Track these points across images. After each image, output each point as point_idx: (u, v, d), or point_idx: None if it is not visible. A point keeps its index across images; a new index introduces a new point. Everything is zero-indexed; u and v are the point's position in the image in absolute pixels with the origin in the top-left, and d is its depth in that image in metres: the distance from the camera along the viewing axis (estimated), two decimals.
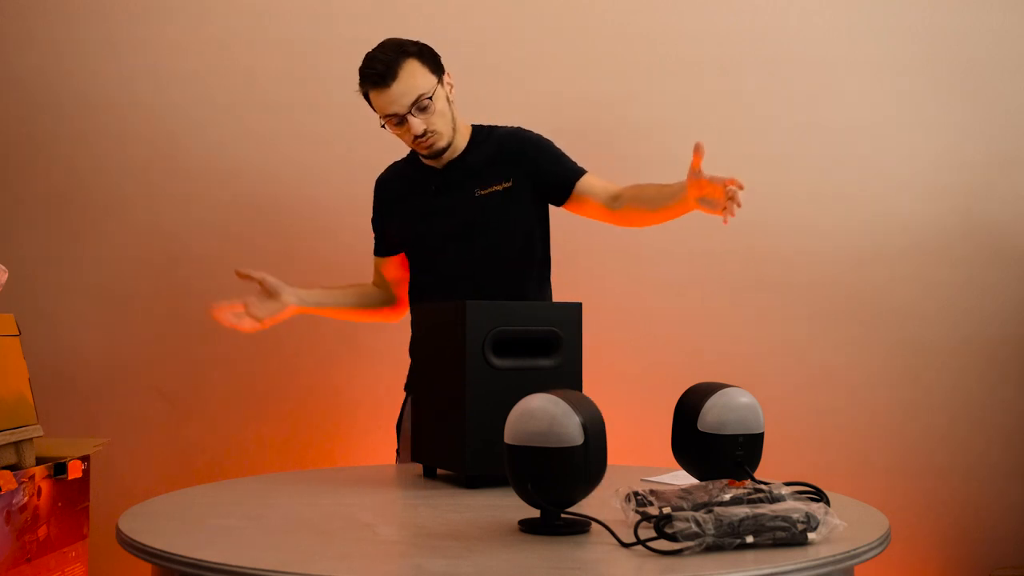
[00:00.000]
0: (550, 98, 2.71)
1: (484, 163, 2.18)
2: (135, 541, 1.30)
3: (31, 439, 1.96)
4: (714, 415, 1.46)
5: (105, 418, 2.68)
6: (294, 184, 2.73)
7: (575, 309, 1.73)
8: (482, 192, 2.16)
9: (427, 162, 2.20)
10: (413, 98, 2.04)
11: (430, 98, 2.05)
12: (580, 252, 2.68)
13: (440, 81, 2.09)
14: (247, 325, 2.15)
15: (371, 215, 2.33)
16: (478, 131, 2.21)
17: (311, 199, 2.72)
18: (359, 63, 2.76)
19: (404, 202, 2.24)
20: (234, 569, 1.14)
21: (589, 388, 1.67)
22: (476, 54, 2.72)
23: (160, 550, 1.24)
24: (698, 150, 1.81)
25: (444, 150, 2.13)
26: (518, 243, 2.17)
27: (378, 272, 2.35)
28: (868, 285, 2.73)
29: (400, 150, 2.71)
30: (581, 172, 2.18)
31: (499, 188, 2.16)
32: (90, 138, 2.73)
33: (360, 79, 2.07)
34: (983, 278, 2.74)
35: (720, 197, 1.82)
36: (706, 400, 1.48)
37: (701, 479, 1.50)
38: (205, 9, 2.73)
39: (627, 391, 2.65)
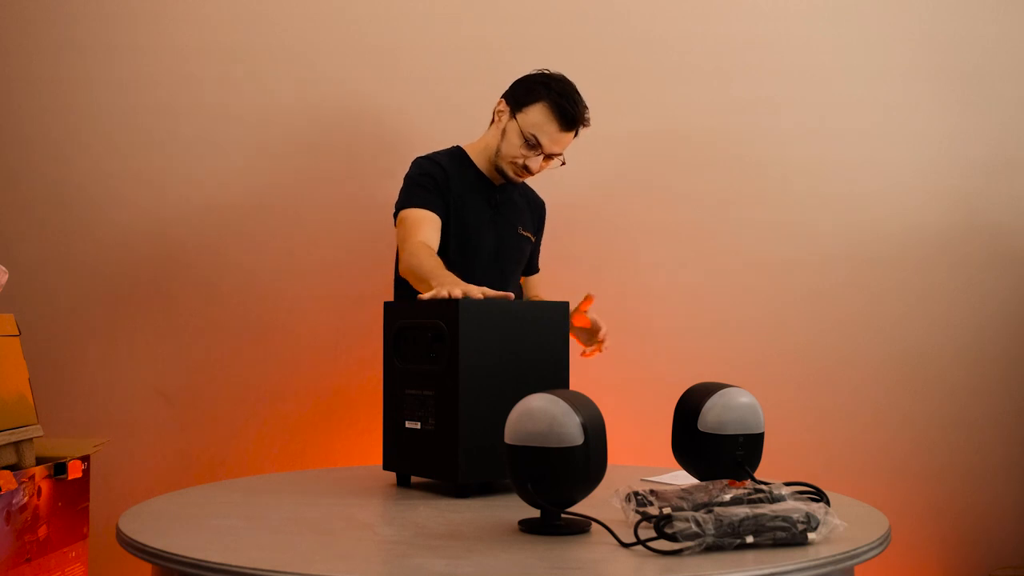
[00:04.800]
0: None
1: (524, 204, 2.39)
2: (135, 541, 1.30)
3: (31, 439, 1.96)
4: (714, 415, 1.46)
5: (105, 418, 2.68)
6: (294, 185, 2.73)
7: (562, 308, 1.70)
8: (522, 232, 2.35)
9: (479, 168, 2.29)
10: (559, 151, 2.20)
11: (563, 162, 2.25)
12: (581, 254, 2.68)
13: None
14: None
15: (420, 174, 2.23)
16: None
17: (311, 200, 2.72)
18: (359, 66, 2.77)
19: (469, 199, 2.25)
20: (234, 569, 1.14)
21: (589, 388, 1.67)
22: (474, 58, 2.72)
23: (160, 550, 1.24)
24: (589, 300, 2.13)
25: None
26: (519, 289, 2.43)
27: (430, 230, 2.15)
28: (868, 287, 2.73)
29: (406, 152, 2.71)
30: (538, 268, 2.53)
31: (531, 237, 2.39)
32: (90, 140, 2.73)
33: (554, 102, 2.15)
34: (983, 280, 2.74)
35: (594, 338, 2.22)
36: (706, 400, 1.48)
37: (701, 479, 1.50)
38: (205, 13, 2.73)
39: (627, 391, 2.65)
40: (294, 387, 2.70)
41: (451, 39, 2.73)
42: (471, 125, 2.48)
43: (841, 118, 2.75)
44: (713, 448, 1.46)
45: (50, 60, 2.73)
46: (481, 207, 2.26)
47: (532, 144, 2.17)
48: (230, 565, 1.15)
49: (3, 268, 1.96)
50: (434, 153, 2.30)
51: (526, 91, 2.19)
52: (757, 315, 2.73)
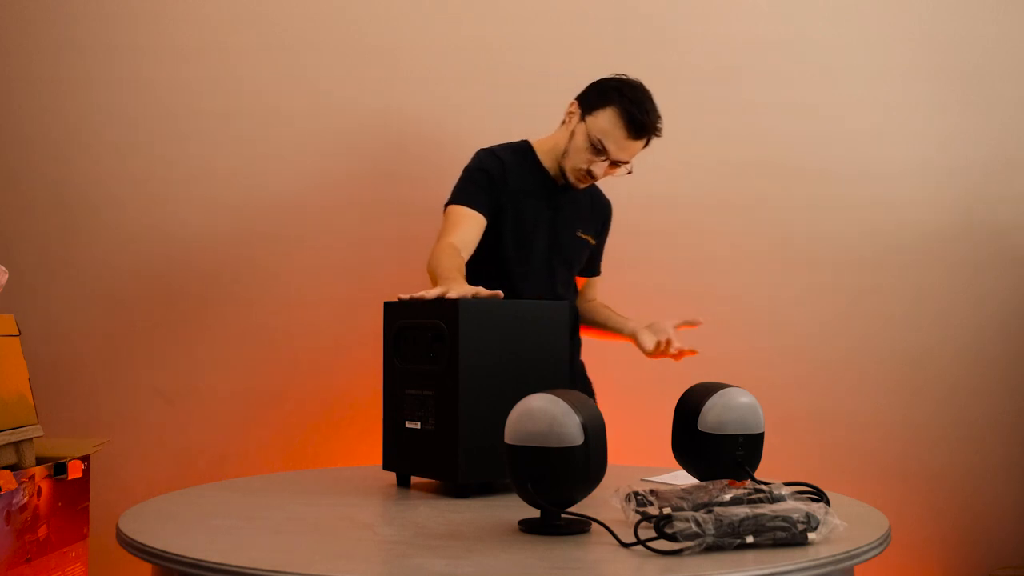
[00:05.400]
0: (551, 106, 2.70)
1: (588, 206, 2.31)
2: (135, 541, 1.30)
3: (31, 439, 1.96)
4: (714, 415, 1.46)
5: (105, 418, 2.68)
6: (292, 187, 2.73)
7: (563, 309, 1.69)
8: (581, 235, 2.29)
9: (544, 167, 2.24)
10: (627, 159, 2.16)
11: (629, 171, 2.19)
12: None
13: None
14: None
15: (477, 168, 2.19)
16: None
17: (309, 202, 2.72)
18: (359, 66, 2.77)
19: (529, 196, 2.20)
20: (234, 569, 1.14)
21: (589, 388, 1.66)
22: (474, 57, 2.72)
23: (160, 550, 1.24)
24: (694, 324, 2.15)
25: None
26: (575, 292, 2.38)
27: (468, 230, 2.09)
28: (868, 287, 2.73)
29: (406, 153, 2.71)
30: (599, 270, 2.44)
31: (590, 240, 2.32)
32: (90, 141, 2.73)
33: (624, 109, 2.11)
34: (983, 280, 2.74)
35: (667, 346, 2.15)
36: (706, 400, 1.48)
37: (701, 479, 1.50)
38: (205, 13, 2.73)
39: (627, 391, 2.64)
40: (294, 387, 2.70)
41: (451, 39, 2.73)
42: (471, 125, 2.49)
43: (841, 118, 2.75)
44: (713, 448, 1.46)
45: (50, 60, 2.72)
46: (540, 206, 2.21)
47: (598, 149, 2.12)
48: (230, 565, 1.15)
49: (3, 268, 1.96)
50: (498, 146, 2.24)
51: (598, 95, 2.15)
52: (757, 315, 2.73)
